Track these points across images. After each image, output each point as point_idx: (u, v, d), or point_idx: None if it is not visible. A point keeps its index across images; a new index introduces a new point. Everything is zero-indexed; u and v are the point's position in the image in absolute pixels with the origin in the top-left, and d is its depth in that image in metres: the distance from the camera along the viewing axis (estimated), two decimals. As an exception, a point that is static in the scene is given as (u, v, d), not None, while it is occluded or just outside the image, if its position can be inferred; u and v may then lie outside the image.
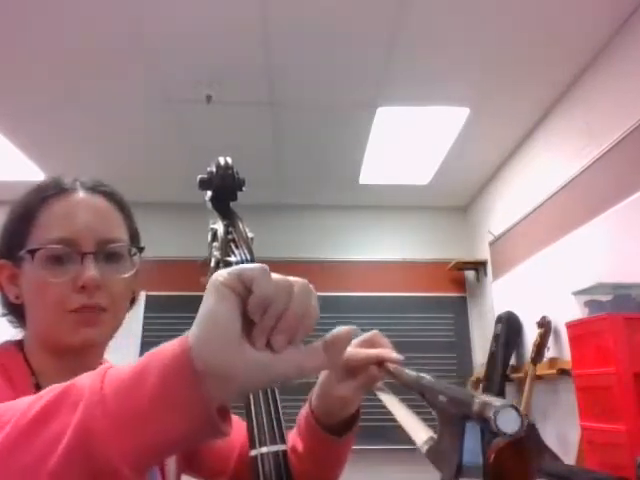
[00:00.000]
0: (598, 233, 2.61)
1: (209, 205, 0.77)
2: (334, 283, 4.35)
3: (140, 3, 2.38)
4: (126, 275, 0.73)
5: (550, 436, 2.94)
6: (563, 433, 2.90)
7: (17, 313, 0.74)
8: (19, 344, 0.73)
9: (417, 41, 2.64)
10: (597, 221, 2.62)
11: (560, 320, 2.77)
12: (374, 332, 0.72)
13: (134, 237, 0.79)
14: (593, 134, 2.73)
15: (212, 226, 0.75)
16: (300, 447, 0.75)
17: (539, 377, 3.00)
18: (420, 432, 0.42)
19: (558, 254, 3.01)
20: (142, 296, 4.18)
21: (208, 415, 0.37)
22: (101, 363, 0.78)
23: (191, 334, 0.37)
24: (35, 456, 0.35)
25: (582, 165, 2.79)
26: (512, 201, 3.81)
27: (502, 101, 3.15)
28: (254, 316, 0.38)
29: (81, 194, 0.74)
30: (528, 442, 2.68)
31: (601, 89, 2.70)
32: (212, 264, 0.71)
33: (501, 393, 3.28)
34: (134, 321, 4.14)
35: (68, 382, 0.39)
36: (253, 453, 0.55)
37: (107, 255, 0.72)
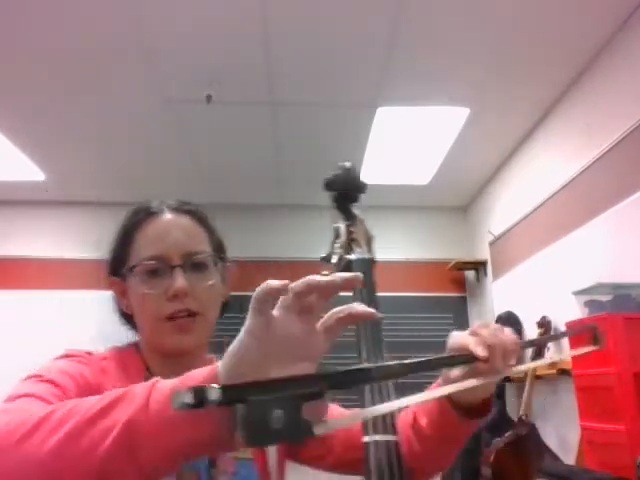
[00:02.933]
0: (598, 233, 2.61)
1: (334, 206, 0.84)
2: (334, 283, 4.34)
3: (140, 3, 2.38)
4: (211, 282, 0.82)
5: (550, 436, 2.94)
6: (563, 433, 2.90)
7: (129, 321, 0.87)
8: (137, 345, 0.85)
9: (417, 41, 2.64)
10: (597, 221, 2.62)
11: (560, 320, 2.78)
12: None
13: (218, 248, 0.88)
14: (593, 134, 2.73)
15: (335, 225, 0.81)
16: (425, 424, 0.75)
17: (539, 377, 3.00)
18: None
19: (558, 254, 3.01)
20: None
21: (222, 430, 0.44)
22: (204, 361, 0.83)
23: (221, 364, 0.47)
24: (92, 441, 0.45)
25: (582, 165, 2.79)
26: (512, 201, 3.81)
27: (502, 101, 3.15)
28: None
29: (167, 215, 0.84)
30: (528, 442, 2.68)
31: (601, 89, 2.70)
32: (334, 260, 0.76)
33: (501, 393, 3.28)
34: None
35: (126, 388, 0.49)
36: (366, 439, 0.57)
37: (193, 266, 0.81)
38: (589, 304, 2.48)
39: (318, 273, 0.50)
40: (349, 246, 0.76)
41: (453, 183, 4.28)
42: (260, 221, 4.50)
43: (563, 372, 2.75)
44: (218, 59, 2.78)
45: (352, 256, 0.74)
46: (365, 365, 0.49)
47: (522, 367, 0.71)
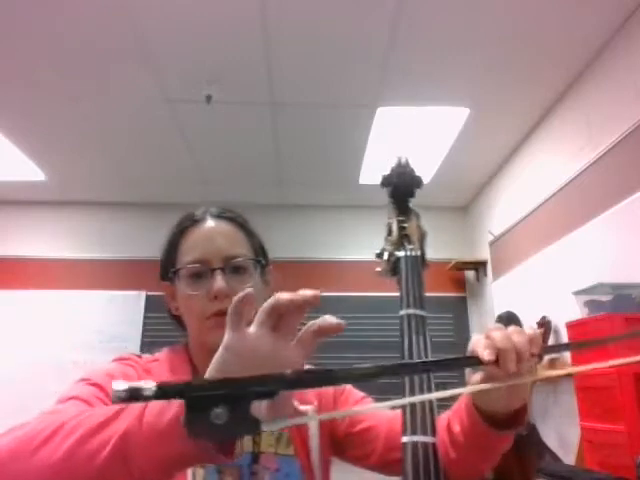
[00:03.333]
0: (598, 233, 2.61)
1: (390, 201, 0.83)
2: (334, 283, 4.35)
3: (140, 3, 2.38)
4: (250, 285, 0.84)
5: (550, 436, 2.94)
6: (563, 433, 2.90)
7: (179, 322, 0.92)
8: (186, 345, 0.92)
9: (417, 41, 2.64)
10: (597, 221, 2.62)
11: (560, 320, 2.77)
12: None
13: (259, 252, 0.93)
14: (593, 134, 2.73)
15: (388, 221, 0.81)
16: (457, 431, 0.75)
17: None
18: None
19: (558, 254, 3.01)
20: (142, 296, 4.19)
21: (204, 445, 0.47)
22: None
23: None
24: (94, 450, 0.50)
25: (582, 165, 2.79)
26: (512, 201, 3.81)
27: (502, 101, 3.15)
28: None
29: (209, 222, 0.91)
30: (528, 442, 2.68)
31: (601, 89, 2.70)
32: (385, 257, 0.76)
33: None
34: (134, 321, 4.15)
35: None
36: (405, 440, 0.57)
37: (233, 269, 0.86)
38: (589, 304, 2.47)
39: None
40: (400, 242, 0.76)
41: (453, 183, 4.28)
42: (260, 221, 4.48)
43: (563, 372, 2.74)
44: (218, 59, 2.78)
45: (401, 253, 0.74)
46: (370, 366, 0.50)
47: (552, 372, 0.67)
